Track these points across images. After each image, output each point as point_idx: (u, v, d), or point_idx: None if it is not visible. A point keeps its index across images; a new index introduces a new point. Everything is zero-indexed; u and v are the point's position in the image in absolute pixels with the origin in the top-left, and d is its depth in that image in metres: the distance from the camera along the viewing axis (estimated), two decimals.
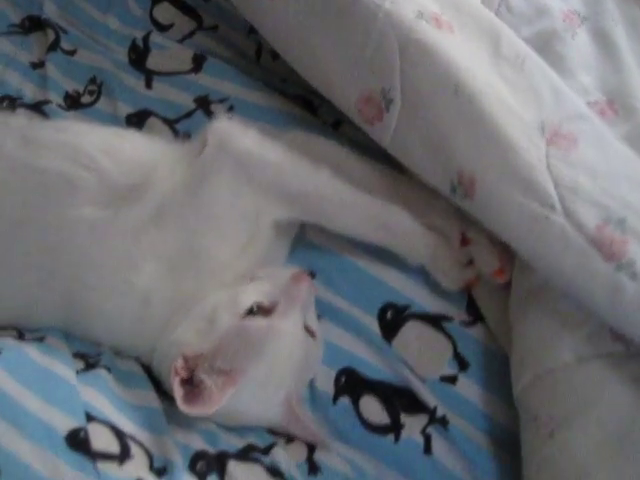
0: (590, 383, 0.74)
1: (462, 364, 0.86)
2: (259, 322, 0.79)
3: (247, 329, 0.78)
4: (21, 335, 0.82)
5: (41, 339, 0.82)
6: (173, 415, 0.77)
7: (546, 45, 1.04)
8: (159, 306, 0.82)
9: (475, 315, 0.88)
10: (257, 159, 0.86)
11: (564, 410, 0.75)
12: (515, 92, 0.86)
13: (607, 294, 0.71)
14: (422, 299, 0.89)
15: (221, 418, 0.79)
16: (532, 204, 0.77)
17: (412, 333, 0.88)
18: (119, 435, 0.70)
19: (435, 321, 0.88)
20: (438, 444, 0.82)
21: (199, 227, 0.83)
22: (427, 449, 0.82)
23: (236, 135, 0.87)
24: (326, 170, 0.87)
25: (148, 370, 0.84)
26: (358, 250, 0.91)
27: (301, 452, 0.80)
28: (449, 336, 0.87)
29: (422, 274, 0.90)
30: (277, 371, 0.78)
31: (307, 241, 0.94)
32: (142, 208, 0.83)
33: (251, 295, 0.80)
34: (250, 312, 0.79)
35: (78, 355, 0.82)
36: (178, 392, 0.72)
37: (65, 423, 0.67)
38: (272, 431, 0.82)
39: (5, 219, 0.84)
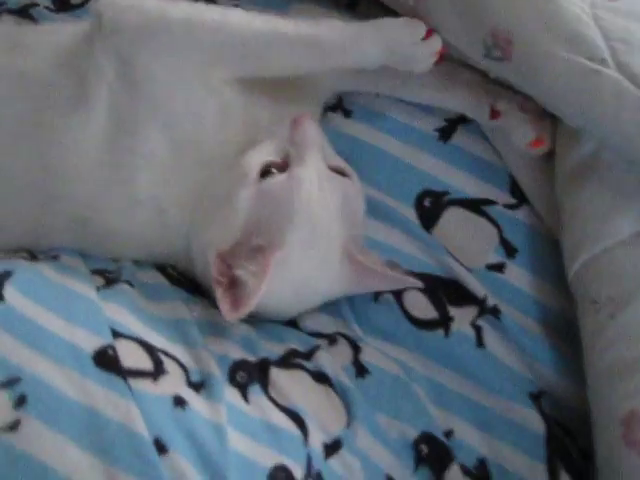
0: None
1: (509, 250, 0.79)
2: (277, 178, 0.71)
3: (267, 190, 0.71)
4: (33, 256, 0.76)
5: (55, 257, 0.76)
6: (207, 325, 0.72)
7: None
8: (174, 209, 0.76)
9: (519, 197, 0.81)
10: (158, 27, 0.75)
11: (625, 290, 0.70)
12: None
13: None
14: (461, 183, 0.82)
15: (284, 307, 0.75)
16: (579, 59, 0.69)
17: (453, 220, 0.81)
18: (150, 350, 0.64)
19: (477, 206, 0.81)
20: (490, 336, 0.77)
21: (161, 120, 0.75)
22: (479, 342, 0.77)
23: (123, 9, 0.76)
24: (237, 11, 0.78)
25: (174, 279, 0.79)
26: (389, 136, 0.83)
27: (346, 354, 0.75)
28: (493, 221, 0.80)
29: (459, 155, 0.82)
30: (319, 223, 0.71)
31: (335, 130, 0.86)
32: (96, 121, 0.75)
33: (257, 157, 0.73)
34: (265, 174, 0.72)
35: (97, 272, 0.76)
36: (223, 303, 0.66)
37: (90, 342, 0.62)
38: (313, 334, 0.77)
39: (3, 133, 0.77)
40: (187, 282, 0.80)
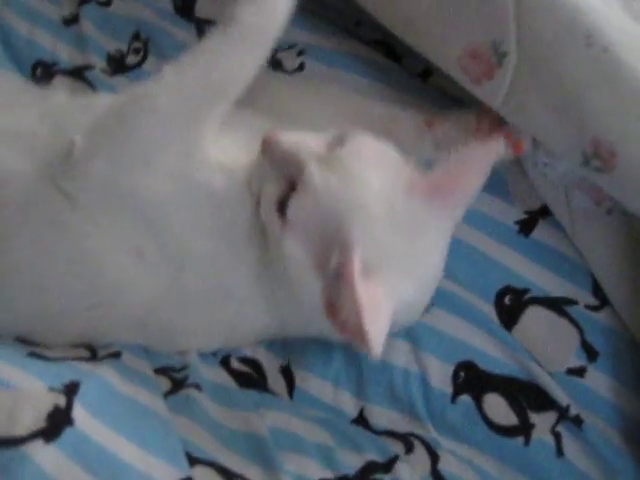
0: None
1: (591, 354, 0.77)
2: (295, 201, 0.64)
3: (297, 219, 0.64)
4: (94, 353, 0.72)
5: (117, 356, 0.72)
6: (282, 434, 0.69)
7: None
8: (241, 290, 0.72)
9: (602, 298, 0.79)
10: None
11: None
12: None
13: None
14: (542, 280, 0.80)
15: (414, 305, 0.71)
16: None
17: (534, 320, 0.79)
18: (227, 476, 0.62)
19: (558, 306, 0.79)
20: (570, 444, 0.74)
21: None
22: (559, 450, 0.74)
23: None
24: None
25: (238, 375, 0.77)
26: (469, 227, 0.81)
27: (425, 464, 0.72)
28: (575, 322, 0.78)
29: (540, 250, 0.80)
30: (365, 200, 0.64)
31: None
32: None
33: (266, 203, 0.67)
34: (282, 207, 0.65)
35: (161, 371, 0.74)
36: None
37: (169, 475, 0.59)
38: (387, 432, 0.75)
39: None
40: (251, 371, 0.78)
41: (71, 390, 0.60)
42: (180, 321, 0.73)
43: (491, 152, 0.68)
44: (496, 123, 0.78)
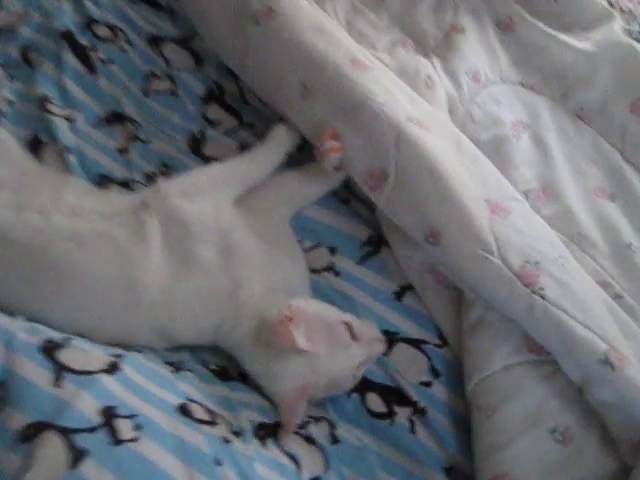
0: (513, 381, 1.13)
1: (435, 373, 1.24)
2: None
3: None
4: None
5: (140, 351, 1.15)
6: (242, 400, 1.14)
7: (499, 146, 1.45)
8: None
9: (443, 340, 1.27)
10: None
11: (496, 400, 1.13)
12: (471, 177, 1.23)
13: (525, 309, 1.09)
14: (407, 328, 1.28)
15: None
16: (478, 250, 1.14)
17: (401, 351, 1.26)
18: (209, 411, 1.04)
19: (417, 343, 1.26)
20: (419, 427, 1.20)
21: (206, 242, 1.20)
22: (412, 430, 1.19)
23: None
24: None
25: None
26: (363, 293, 1.30)
27: (326, 429, 1.17)
28: (426, 354, 1.25)
29: (407, 311, 1.29)
30: None
31: None
32: (155, 252, 1.16)
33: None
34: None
35: (167, 363, 1.16)
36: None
37: (171, 399, 1.02)
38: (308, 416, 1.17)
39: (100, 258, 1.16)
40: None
41: (118, 355, 1.03)
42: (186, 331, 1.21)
43: None
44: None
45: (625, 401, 1.05)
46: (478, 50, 1.60)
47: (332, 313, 1.17)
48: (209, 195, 1.23)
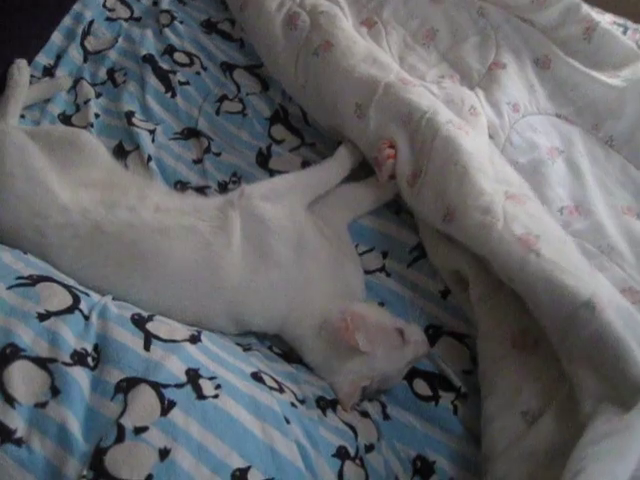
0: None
1: (475, 363, 1.37)
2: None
3: None
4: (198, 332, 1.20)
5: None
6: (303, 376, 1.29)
7: (536, 168, 1.59)
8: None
9: None
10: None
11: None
12: (496, 173, 1.40)
13: (520, 266, 1.21)
14: (451, 323, 1.44)
15: None
16: (487, 218, 1.27)
17: (445, 343, 1.41)
18: (278, 383, 1.17)
19: (459, 336, 1.42)
20: (461, 409, 1.33)
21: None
22: (455, 412, 1.33)
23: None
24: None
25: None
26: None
27: (378, 408, 1.32)
28: (467, 345, 1.41)
29: (453, 307, 1.44)
30: None
31: None
32: (235, 243, 1.33)
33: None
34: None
35: (238, 344, 1.31)
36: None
37: (243, 368, 1.17)
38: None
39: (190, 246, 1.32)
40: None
41: (197, 331, 1.19)
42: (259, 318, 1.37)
43: None
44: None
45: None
46: (518, 84, 1.76)
47: (387, 319, 1.33)
48: (286, 199, 1.41)
